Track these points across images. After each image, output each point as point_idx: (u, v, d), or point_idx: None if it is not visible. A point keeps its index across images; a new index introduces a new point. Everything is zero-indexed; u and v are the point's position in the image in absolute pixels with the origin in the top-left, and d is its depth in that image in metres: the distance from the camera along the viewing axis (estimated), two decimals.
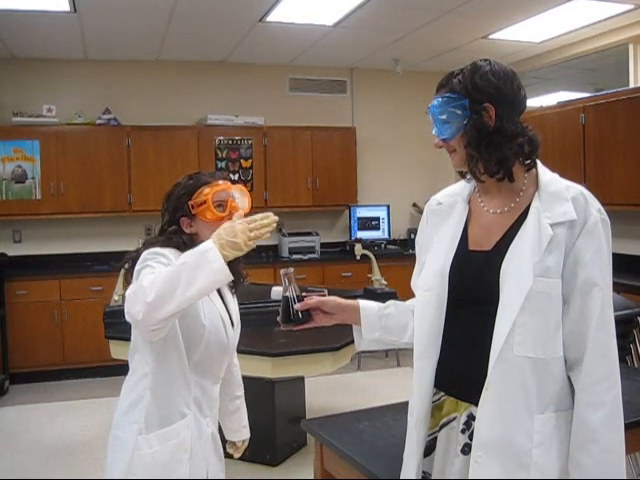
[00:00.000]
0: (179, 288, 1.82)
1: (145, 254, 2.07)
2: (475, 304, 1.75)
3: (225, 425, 2.59)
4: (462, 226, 1.87)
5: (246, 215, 1.97)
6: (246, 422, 2.64)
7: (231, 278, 1.89)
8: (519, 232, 1.72)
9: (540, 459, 1.66)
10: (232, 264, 1.88)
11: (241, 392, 2.62)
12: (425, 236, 1.99)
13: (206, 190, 2.20)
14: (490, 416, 1.69)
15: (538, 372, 1.66)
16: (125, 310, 1.91)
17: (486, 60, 1.80)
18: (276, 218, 1.93)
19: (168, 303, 1.83)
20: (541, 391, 1.67)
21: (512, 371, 1.67)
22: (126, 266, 2.18)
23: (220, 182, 2.26)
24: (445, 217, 1.92)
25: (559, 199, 1.72)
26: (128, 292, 1.91)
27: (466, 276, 1.80)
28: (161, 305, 1.83)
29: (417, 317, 1.91)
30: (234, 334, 2.32)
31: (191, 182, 2.26)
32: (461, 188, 1.95)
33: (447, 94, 1.80)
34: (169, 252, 2.10)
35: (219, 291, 2.29)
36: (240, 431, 2.63)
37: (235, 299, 2.40)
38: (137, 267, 2.05)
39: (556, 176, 1.80)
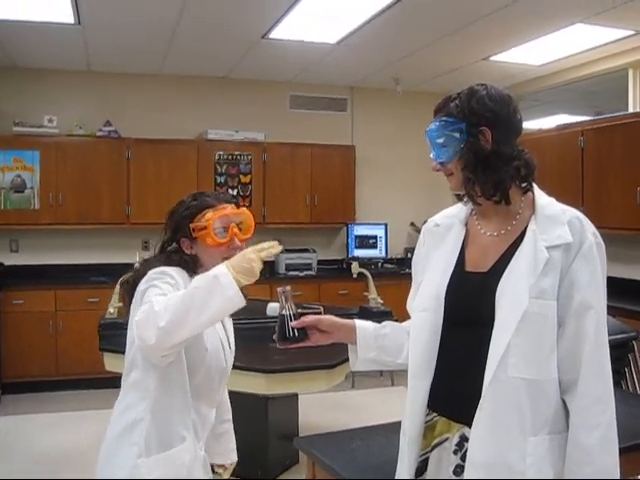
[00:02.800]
0: (192, 314, 1.81)
1: (151, 273, 2.05)
2: (470, 326, 1.76)
3: (211, 449, 2.44)
4: (459, 248, 1.88)
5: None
6: (234, 445, 2.57)
7: (244, 304, 1.88)
8: (515, 254, 1.73)
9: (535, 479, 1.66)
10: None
11: (229, 416, 2.55)
12: (422, 257, 2.00)
13: (209, 214, 2.14)
14: (483, 437, 1.69)
15: (532, 394, 1.67)
16: (136, 334, 1.90)
17: (482, 85, 1.83)
18: (281, 247, 1.95)
19: (181, 329, 1.82)
20: (535, 413, 1.67)
21: (506, 392, 1.67)
22: (122, 280, 2.17)
23: (225, 206, 2.19)
24: (442, 239, 1.94)
25: (555, 222, 1.74)
26: (139, 316, 1.87)
27: (462, 298, 1.81)
28: (174, 331, 1.81)
29: (412, 337, 1.91)
30: (231, 357, 2.30)
31: (194, 204, 2.20)
32: (458, 210, 1.97)
33: (444, 118, 1.83)
34: (175, 272, 2.08)
35: None
36: (227, 454, 2.55)
37: (230, 320, 2.38)
38: (142, 286, 2.03)
39: (552, 200, 1.82)
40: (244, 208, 2.25)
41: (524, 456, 1.66)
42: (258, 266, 1.87)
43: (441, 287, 1.84)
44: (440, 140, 1.83)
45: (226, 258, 2.05)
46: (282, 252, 7.65)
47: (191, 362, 2.09)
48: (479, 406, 1.69)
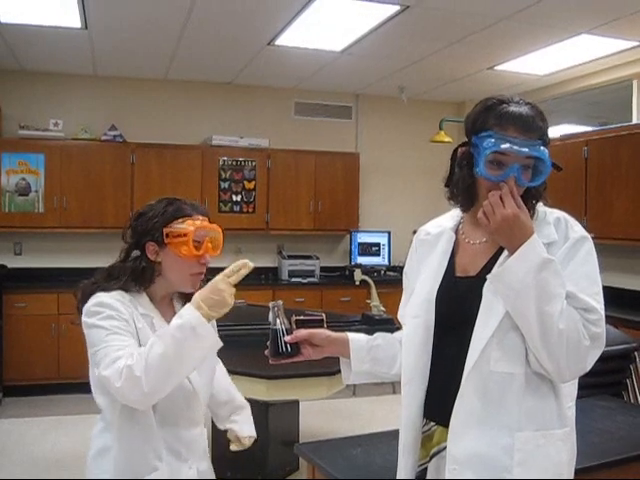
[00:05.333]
0: (174, 371, 1.83)
1: (90, 306, 1.97)
2: (462, 330, 1.76)
3: (233, 423, 2.43)
4: (449, 254, 1.89)
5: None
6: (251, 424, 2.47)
7: (221, 345, 1.89)
8: (502, 256, 1.73)
9: (522, 478, 1.65)
10: None
11: (243, 409, 2.49)
12: (413, 266, 2.01)
13: (188, 223, 2.03)
14: (462, 430, 1.70)
15: (517, 388, 1.67)
16: (119, 396, 1.87)
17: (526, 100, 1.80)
18: (252, 265, 1.90)
19: (165, 387, 1.85)
20: (522, 408, 1.67)
21: (489, 386, 1.68)
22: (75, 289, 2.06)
23: (201, 217, 2.09)
24: (432, 246, 1.94)
25: (541, 223, 1.77)
26: (120, 383, 1.81)
27: (452, 302, 1.82)
28: (158, 392, 1.85)
29: (405, 344, 1.91)
30: (200, 378, 2.14)
31: (170, 209, 2.07)
32: (448, 218, 1.98)
33: (540, 141, 1.76)
34: (115, 299, 1.99)
35: None
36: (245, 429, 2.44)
37: None
38: (85, 319, 1.96)
39: (539, 203, 1.82)
40: (215, 224, 2.13)
41: (511, 452, 1.66)
42: (229, 294, 1.85)
43: (432, 293, 1.85)
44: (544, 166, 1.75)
45: (193, 275, 2.05)
46: (285, 258, 7.67)
47: None
48: (457, 396, 1.70)
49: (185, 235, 2.01)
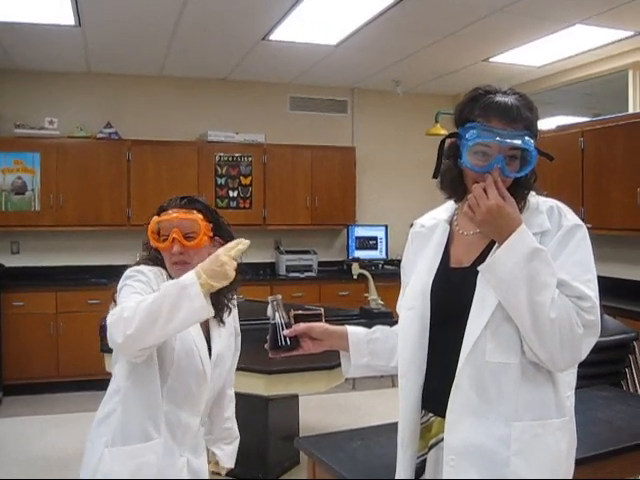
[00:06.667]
0: (159, 323, 1.85)
1: (128, 271, 2.13)
2: (457, 321, 1.75)
3: (220, 450, 2.52)
4: (443, 246, 1.90)
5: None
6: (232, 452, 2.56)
7: (212, 314, 1.93)
8: (495, 246, 1.73)
9: (520, 468, 1.66)
10: (219, 295, 1.88)
11: (235, 440, 2.57)
12: (410, 258, 2.01)
13: (154, 218, 2.20)
14: (458, 420, 1.70)
15: (513, 378, 1.67)
16: (107, 336, 1.94)
17: (517, 91, 1.79)
18: (248, 242, 1.96)
19: (147, 336, 1.88)
20: (518, 398, 1.67)
21: (484, 377, 1.68)
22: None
23: (174, 210, 2.18)
24: (427, 239, 1.95)
25: (533, 212, 1.77)
26: (109, 319, 1.92)
27: (447, 293, 1.82)
28: (140, 338, 1.88)
29: (401, 336, 1.92)
30: (212, 365, 2.24)
31: (160, 206, 2.26)
32: (443, 210, 1.99)
33: (526, 131, 1.73)
34: (150, 270, 2.14)
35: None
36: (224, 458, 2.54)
37: (226, 330, 2.33)
38: (119, 284, 2.10)
39: (532, 193, 1.82)
40: (196, 214, 2.18)
41: (508, 442, 1.66)
42: (231, 267, 1.88)
43: (426, 284, 1.85)
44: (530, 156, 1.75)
45: (173, 264, 2.15)
46: (282, 254, 7.68)
47: (161, 360, 2.12)
48: (453, 387, 1.70)
49: (150, 230, 2.19)
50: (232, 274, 1.88)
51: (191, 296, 1.84)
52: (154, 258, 2.23)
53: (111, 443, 2.09)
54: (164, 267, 2.19)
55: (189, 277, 1.88)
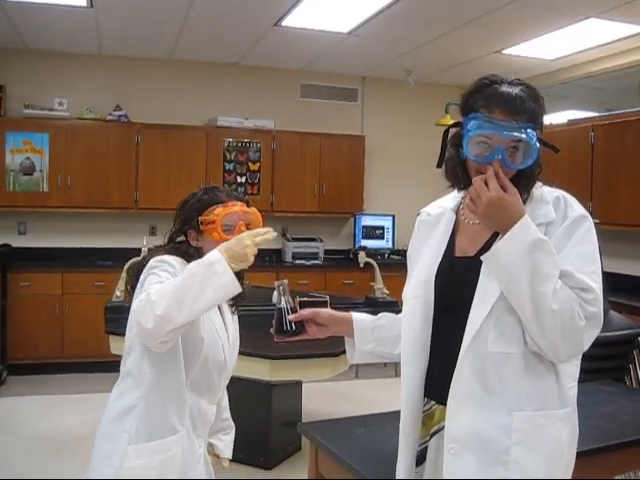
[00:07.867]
0: (188, 301, 1.82)
1: (152, 261, 2.08)
2: (461, 310, 1.76)
3: (219, 440, 2.53)
4: (449, 235, 1.90)
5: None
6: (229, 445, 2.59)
7: (240, 290, 1.89)
8: (499, 236, 1.72)
9: (521, 458, 1.66)
10: (238, 279, 1.88)
11: (231, 430, 2.58)
12: (415, 247, 2.01)
13: (218, 209, 2.15)
14: (459, 409, 1.70)
15: (515, 368, 1.68)
16: (134, 322, 1.93)
17: (524, 82, 1.78)
18: (276, 234, 1.95)
19: (177, 315, 1.83)
20: (520, 388, 1.68)
21: (486, 366, 1.68)
22: (128, 267, 2.17)
23: (235, 203, 2.20)
24: (433, 227, 1.95)
25: (539, 202, 1.77)
26: (135, 305, 1.91)
27: (451, 282, 1.82)
28: (170, 317, 1.83)
29: (404, 324, 1.92)
30: (231, 353, 2.27)
31: (205, 198, 2.22)
32: (450, 199, 1.99)
33: (528, 123, 1.72)
34: (175, 260, 2.10)
35: (218, 307, 2.25)
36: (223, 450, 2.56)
37: (235, 318, 2.36)
38: (143, 275, 2.06)
39: (539, 184, 1.81)
40: (254, 208, 2.23)
41: (509, 431, 1.67)
42: (252, 252, 1.86)
43: (431, 273, 1.86)
44: (533, 149, 1.73)
45: None
46: (289, 241, 7.69)
47: (187, 352, 2.09)
48: (454, 376, 1.71)
49: (214, 222, 2.13)
50: (252, 259, 1.87)
51: (218, 272, 1.82)
52: (180, 249, 2.19)
53: (135, 440, 2.04)
54: (187, 259, 2.12)
55: (214, 255, 1.86)
